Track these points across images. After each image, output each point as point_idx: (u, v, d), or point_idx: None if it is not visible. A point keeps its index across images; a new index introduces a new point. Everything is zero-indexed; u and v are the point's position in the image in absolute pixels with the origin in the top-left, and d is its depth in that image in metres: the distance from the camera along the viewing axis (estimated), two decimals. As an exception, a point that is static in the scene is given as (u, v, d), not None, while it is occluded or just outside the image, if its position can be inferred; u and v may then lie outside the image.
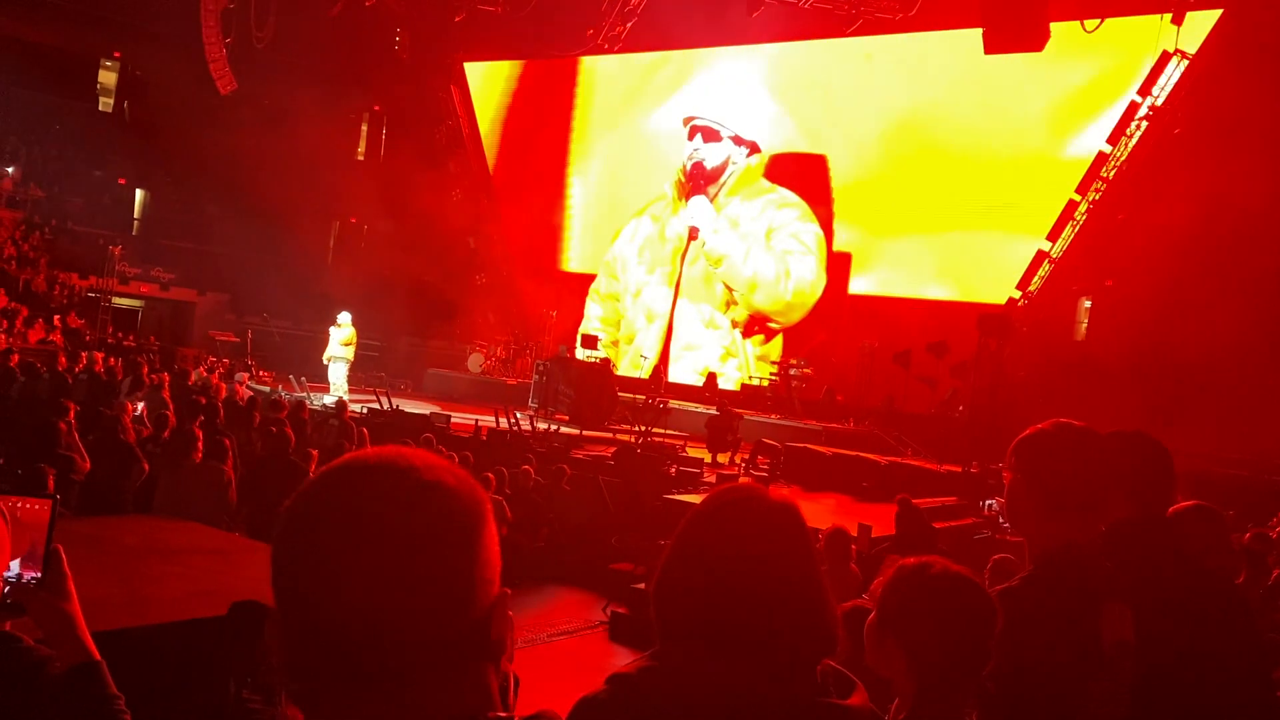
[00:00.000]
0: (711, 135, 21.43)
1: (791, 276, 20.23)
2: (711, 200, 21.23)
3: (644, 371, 20.92)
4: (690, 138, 21.68)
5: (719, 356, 20.97)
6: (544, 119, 25.49)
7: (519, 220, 25.89)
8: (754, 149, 21.42)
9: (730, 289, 20.79)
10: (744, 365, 20.69)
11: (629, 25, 21.50)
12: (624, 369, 21.58)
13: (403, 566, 0.94)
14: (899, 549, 7.49)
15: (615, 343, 22.51)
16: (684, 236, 21.59)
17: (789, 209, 20.75)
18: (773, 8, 19.57)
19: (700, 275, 21.31)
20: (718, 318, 21.11)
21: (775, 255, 20.39)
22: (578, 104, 24.93)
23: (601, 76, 24.41)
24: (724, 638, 1.40)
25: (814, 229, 20.48)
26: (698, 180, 21.28)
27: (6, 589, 1.51)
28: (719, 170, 21.34)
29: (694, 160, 21.40)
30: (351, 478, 0.99)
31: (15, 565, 1.53)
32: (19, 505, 1.55)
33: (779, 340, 20.80)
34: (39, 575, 1.58)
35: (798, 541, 1.48)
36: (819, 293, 20.27)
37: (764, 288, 20.32)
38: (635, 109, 24.04)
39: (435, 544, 0.96)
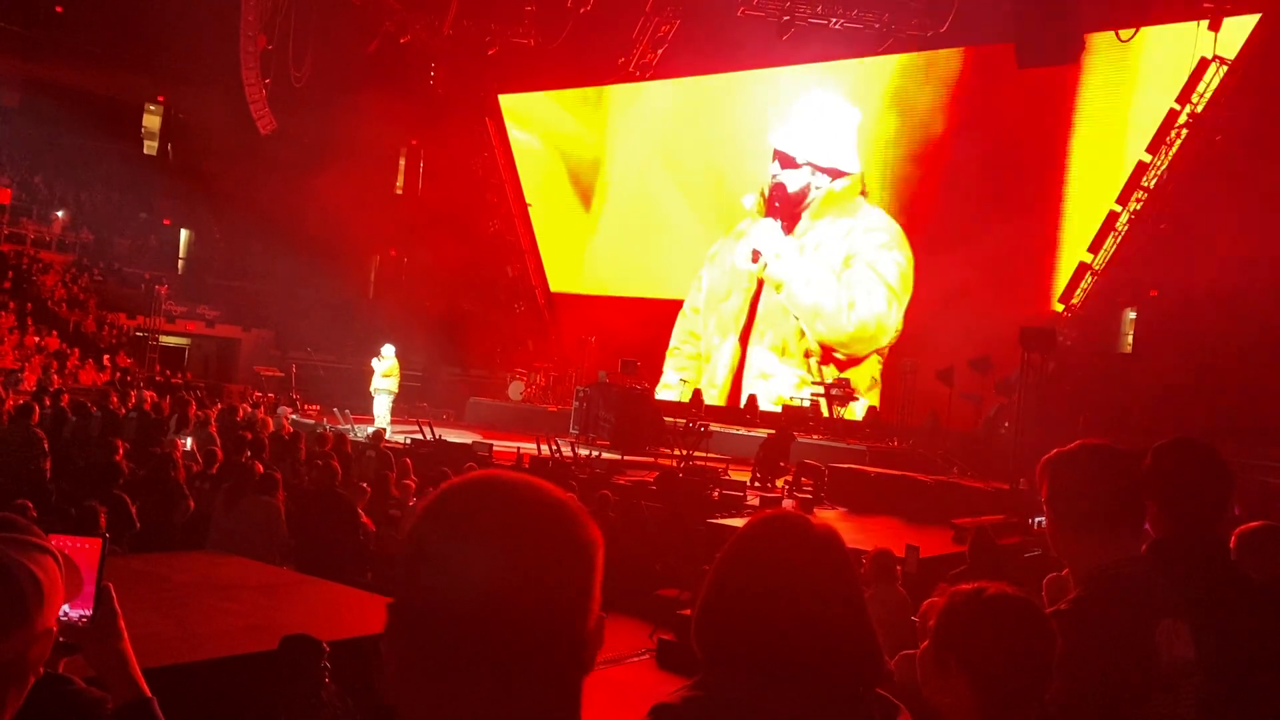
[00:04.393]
0: (788, 161, 21.16)
1: (856, 308, 19.69)
2: (794, 223, 20.89)
3: (718, 395, 20.73)
4: (773, 159, 21.39)
5: (795, 384, 20.37)
6: (578, 147, 25.69)
7: (556, 247, 26.07)
8: (835, 174, 20.93)
9: (795, 316, 20.43)
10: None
11: (660, 52, 21.64)
12: (704, 385, 21.43)
13: (548, 573, 1.02)
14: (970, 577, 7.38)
15: (698, 355, 22.36)
16: (749, 265, 21.27)
17: (874, 234, 20.09)
18: (803, 30, 19.64)
19: (776, 304, 20.92)
20: (792, 346, 20.69)
21: (843, 284, 19.86)
22: (611, 131, 25.09)
23: (635, 103, 24.56)
24: (768, 666, 1.39)
25: (895, 257, 19.72)
26: (774, 203, 21.01)
27: (61, 628, 1.53)
28: (800, 195, 20.93)
29: (774, 183, 21.10)
30: (500, 486, 1.06)
31: (67, 605, 1.56)
32: (70, 545, 1.57)
33: (863, 369, 20.08)
34: (89, 614, 1.59)
35: (841, 569, 1.48)
36: (888, 327, 19.53)
37: (825, 317, 19.90)
38: (669, 135, 24.15)
39: (574, 557, 1.05)
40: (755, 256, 20.94)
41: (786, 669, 1.39)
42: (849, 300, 19.80)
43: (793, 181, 21.00)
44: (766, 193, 21.21)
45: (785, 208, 20.92)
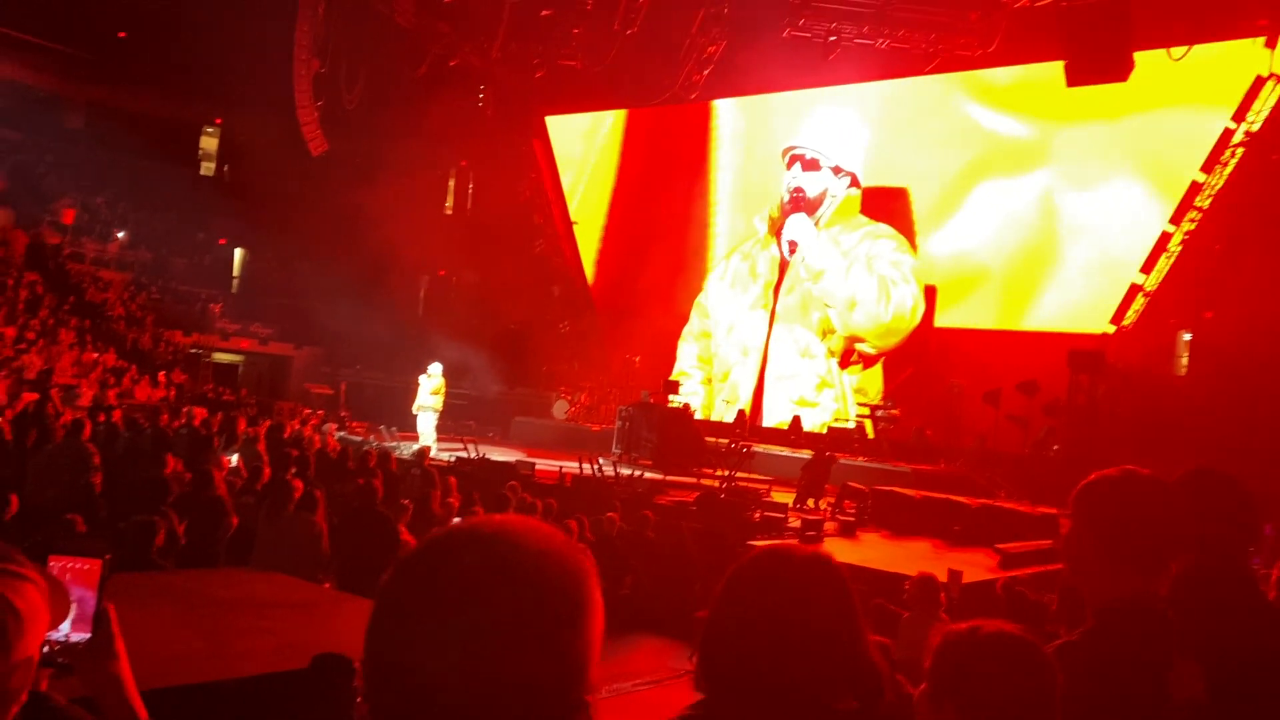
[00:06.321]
0: (811, 165, 21.30)
1: (892, 300, 19.92)
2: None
3: (730, 413, 20.82)
4: (789, 167, 21.57)
5: (815, 386, 20.64)
6: (624, 167, 25.81)
7: (602, 268, 26.18)
8: (854, 181, 21.21)
9: (828, 306, 20.53)
10: (840, 396, 20.41)
11: (706, 73, 21.69)
12: (717, 407, 21.63)
13: (494, 643, 0.94)
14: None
15: (709, 380, 22.55)
16: (775, 266, 21.50)
17: (886, 240, 20.50)
18: (850, 49, 19.56)
19: (796, 304, 21.12)
20: (814, 346, 20.83)
21: (875, 277, 20.14)
22: (659, 151, 25.18)
23: (682, 123, 24.64)
24: (765, 690, 1.44)
25: (911, 260, 20.20)
26: (797, 207, 21.17)
27: (58, 649, 1.53)
28: (817, 201, 21.15)
29: (793, 187, 21.24)
30: (458, 546, 0.99)
31: (65, 625, 1.54)
32: (70, 566, 1.56)
33: (877, 372, 20.39)
34: (88, 635, 1.57)
35: (836, 595, 1.53)
36: (917, 320, 19.86)
37: (863, 306, 20.05)
38: (716, 153, 24.20)
39: (548, 620, 0.96)
40: (793, 248, 21.01)
41: (782, 692, 1.43)
42: (885, 292, 20.01)
43: (812, 186, 21.16)
44: (786, 198, 21.33)
45: (805, 212, 21.11)
